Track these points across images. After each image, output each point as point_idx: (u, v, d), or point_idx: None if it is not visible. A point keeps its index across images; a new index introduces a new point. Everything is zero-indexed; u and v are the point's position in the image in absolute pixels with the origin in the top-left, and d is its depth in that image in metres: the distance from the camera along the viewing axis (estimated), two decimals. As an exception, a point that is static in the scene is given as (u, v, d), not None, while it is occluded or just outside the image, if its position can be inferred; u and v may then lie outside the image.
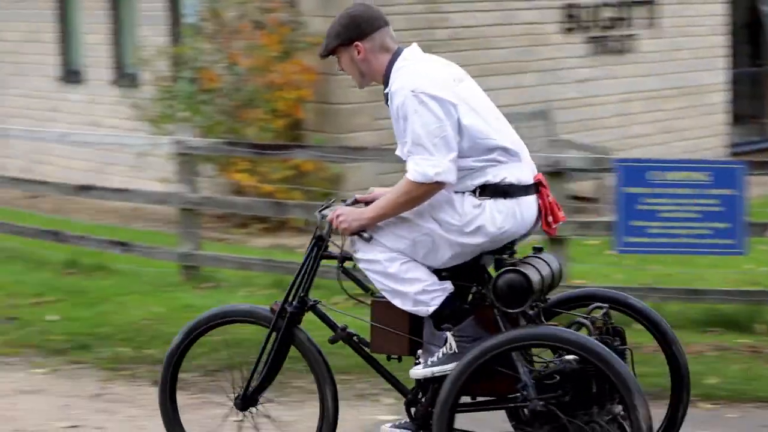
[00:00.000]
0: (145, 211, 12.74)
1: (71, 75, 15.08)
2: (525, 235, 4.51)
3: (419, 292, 4.45)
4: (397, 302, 4.49)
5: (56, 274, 9.33)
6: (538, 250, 4.60)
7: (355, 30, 4.45)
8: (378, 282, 4.52)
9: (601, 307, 4.53)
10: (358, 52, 4.46)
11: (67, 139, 11.96)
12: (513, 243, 4.49)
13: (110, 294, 8.50)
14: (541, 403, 4.19)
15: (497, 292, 4.30)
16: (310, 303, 4.71)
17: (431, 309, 4.47)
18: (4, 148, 15.35)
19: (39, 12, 15.27)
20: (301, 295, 4.69)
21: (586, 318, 4.43)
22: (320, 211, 4.63)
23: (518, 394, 4.25)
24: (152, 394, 6.25)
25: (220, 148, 9.53)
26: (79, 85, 14.88)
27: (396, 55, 4.47)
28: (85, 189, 10.27)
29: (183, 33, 12.91)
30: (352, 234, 4.49)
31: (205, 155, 10.36)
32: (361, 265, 4.56)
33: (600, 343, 4.20)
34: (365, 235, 4.45)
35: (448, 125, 4.29)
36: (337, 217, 4.48)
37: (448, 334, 4.43)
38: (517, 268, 4.30)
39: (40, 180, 11.99)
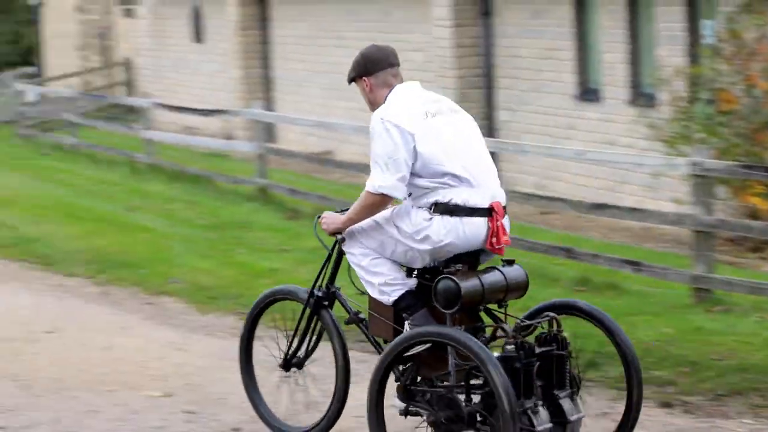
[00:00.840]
0: (656, 232, 13.17)
1: (588, 93, 15.66)
2: (478, 252, 5.75)
3: (382, 283, 5.87)
4: (368, 290, 5.96)
5: (567, 291, 9.83)
6: (507, 262, 5.79)
7: (364, 68, 5.93)
8: (356, 271, 6.02)
9: (548, 317, 5.72)
10: (366, 85, 5.93)
11: (582, 157, 12.53)
12: (476, 254, 5.76)
13: (620, 313, 8.52)
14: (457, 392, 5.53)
15: (435, 295, 5.56)
16: (333, 290, 6.27)
17: (392, 299, 5.87)
18: (518, 163, 16.32)
19: (556, 30, 15.96)
20: (327, 283, 6.27)
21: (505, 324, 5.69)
22: (318, 217, 6.15)
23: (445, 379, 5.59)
24: (659, 416, 6.73)
25: (737, 171, 9.73)
26: (596, 103, 15.43)
27: (391, 90, 5.87)
28: (598, 207, 10.94)
29: (701, 53, 13.13)
30: (331, 234, 6.07)
31: (721, 177, 10.60)
32: (347, 257, 6.05)
33: (483, 346, 5.39)
34: (338, 236, 6.03)
35: (402, 150, 5.65)
36: (321, 220, 6.06)
37: (406, 321, 5.80)
38: (452, 276, 5.48)
39: (554, 197, 12.75)
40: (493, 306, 5.89)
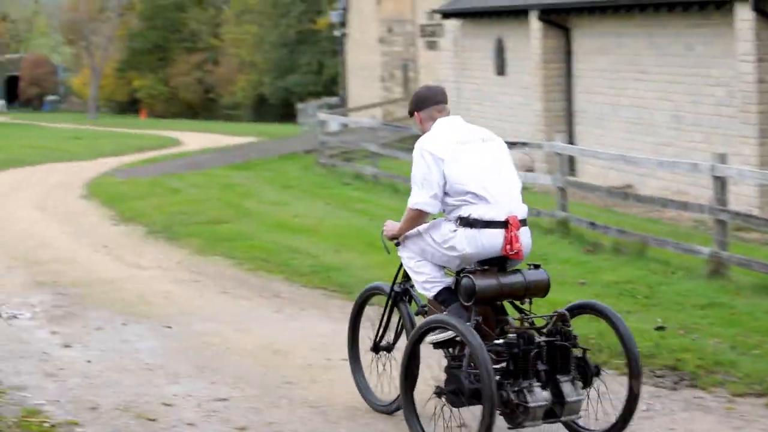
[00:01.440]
0: None
1: None
2: (502, 258, 7.17)
3: (424, 281, 7.49)
4: (416, 286, 7.62)
5: None
6: (534, 266, 7.34)
7: (416, 104, 7.60)
8: (407, 270, 7.66)
9: (556, 313, 7.20)
10: (417, 119, 7.64)
11: None
12: (503, 259, 7.18)
13: None
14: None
15: (457, 291, 7.19)
16: (406, 286, 7.92)
17: (431, 294, 7.46)
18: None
19: None
20: (403, 280, 7.92)
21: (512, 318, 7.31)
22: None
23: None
24: None
25: None
26: None
27: (434, 122, 7.51)
28: None
29: None
30: (390, 240, 7.69)
31: None
32: (401, 259, 7.67)
33: (473, 332, 6.81)
34: (394, 241, 7.68)
35: (434, 172, 7.22)
36: (384, 228, 7.71)
37: (444, 312, 7.30)
38: (470, 275, 7.05)
39: None
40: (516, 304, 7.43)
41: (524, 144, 18.62)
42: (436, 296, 7.44)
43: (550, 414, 7.02)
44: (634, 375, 7.12)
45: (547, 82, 23.30)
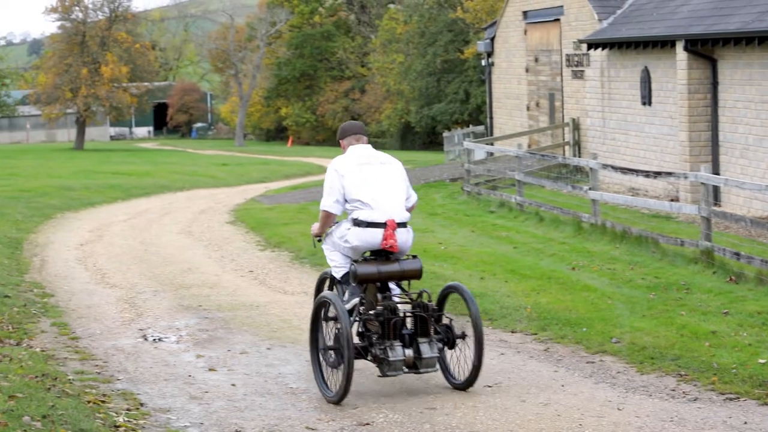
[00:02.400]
0: None
1: None
2: (381, 251, 9.64)
3: (334, 266, 10.05)
4: (331, 270, 10.16)
5: None
6: (413, 257, 9.76)
7: (340, 134, 10.35)
8: (326, 258, 10.19)
9: (421, 291, 9.71)
10: (342, 145, 10.23)
11: None
12: (387, 252, 9.61)
13: None
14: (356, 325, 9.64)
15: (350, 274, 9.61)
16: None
17: (338, 276, 10.03)
18: None
19: None
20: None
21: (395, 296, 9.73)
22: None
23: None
24: None
25: None
26: None
27: (348, 148, 10.08)
28: None
29: None
30: (315, 237, 10.24)
31: None
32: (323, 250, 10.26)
33: (341, 304, 9.31)
34: (317, 238, 10.25)
35: (336, 182, 9.73)
36: (312, 228, 10.27)
37: (346, 289, 9.92)
38: (355, 263, 9.53)
39: None
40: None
41: (669, 174, 18.36)
42: (342, 277, 10.02)
43: (413, 366, 9.49)
44: (477, 342, 9.48)
45: (693, 112, 22.94)
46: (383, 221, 9.59)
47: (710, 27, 22.13)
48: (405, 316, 9.57)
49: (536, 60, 32.38)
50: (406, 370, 9.48)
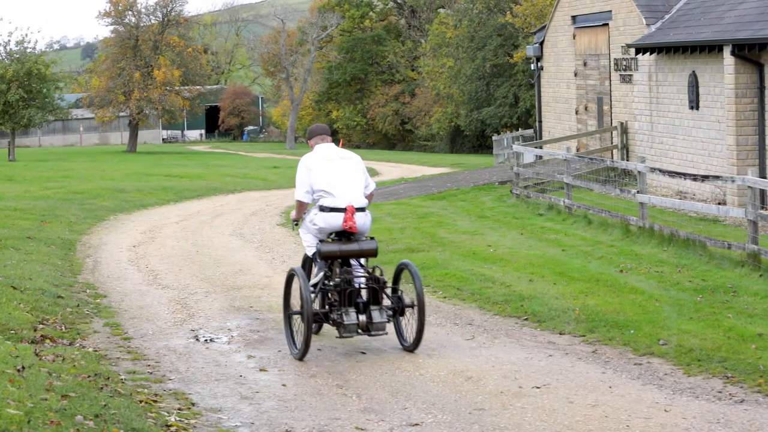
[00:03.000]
0: None
1: None
2: (343, 232, 11.38)
3: (307, 246, 11.72)
4: (306, 249, 11.82)
5: None
6: (370, 238, 11.47)
7: (309, 135, 12.01)
8: (302, 239, 11.84)
9: (375, 267, 11.53)
10: (311, 144, 11.87)
11: None
12: (347, 233, 11.36)
13: None
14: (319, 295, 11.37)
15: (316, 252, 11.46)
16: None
17: (309, 253, 11.68)
18: None
19: None
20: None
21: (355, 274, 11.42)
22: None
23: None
24: None
25: None
26: None
27: (315, 147, 11.77)
28: None
29: None
30: (294, 221, 11.90)
31: None
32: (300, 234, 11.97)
33: (304, 276, 11.07)
34: (294, 223, 11.99)
35: (305, 176, 11.45)
36: (291, 214, 11.97)
37: (315, 264, 11.65)
38: (320, 243, 11.32)
39: None
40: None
41: (716, 177, 18.27)
42: (312, 255, 11.76)
43: (366, 329, 11.23)
44: (420, 312, 11.14)
45: (740, 116, 22.80)
46: (344, 207, 11.42)
47: (757, 32, 21.99)
48: (359, 288, 11.42)
49: (585, 64, 32.28)
50: (360, 332, 11.25)
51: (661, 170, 20.11)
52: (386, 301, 11.57)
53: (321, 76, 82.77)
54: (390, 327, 11.82)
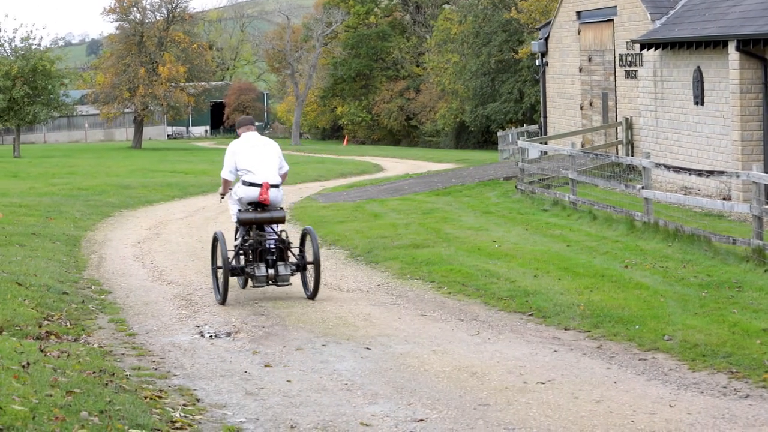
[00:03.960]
0: None
1: None
2: (261, 204, 14.11)
3: (232, 214, 14.65)
4: (232, 216, 14.76)
5: None
6: (280, 208, 14.34)
7: (237, 125, 15.01)
8: (230, 209, 14.96)
9: (281, 230, 14.45)
10: (239, 132, 14.80)
11: None
12: (262, 204, 14.08)
13: None
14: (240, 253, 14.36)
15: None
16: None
17: (234, 221, 14.53)
18: None
19: None
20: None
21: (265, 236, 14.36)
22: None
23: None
24: None
25: None
26: None
27: (242, 135, 14.70)
28: None
29: None
30: (221, 195, 14.95)
31: None
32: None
33: (222, 238, 14.12)
34: (221, 197, 15.12)
35: (231, 158, 14.37)
36: (219, 189, 15.87)
37: (239, 229, 14.66)
38: (240, 211, 14.23)
39: None
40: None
41: (721, 173, 18.25)
42: (236, 222, 14.44)
43: (274, 280, 14.05)
44: (316, 268, 14.03)
45: (745, 111, 22.77)
46: (260, 183, 14.12)
47: (762, 27, 21.97)
48: (269, 248, 14.29)
49: (590, 60, 32.25)
50: (270, 283, 14.12)
51: (666, 166, 20.09)
52: (292, 259, 14.52)
53: (326, 72, 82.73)
54: (297, 280, 14.98)
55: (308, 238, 14.35)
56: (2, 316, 11.79)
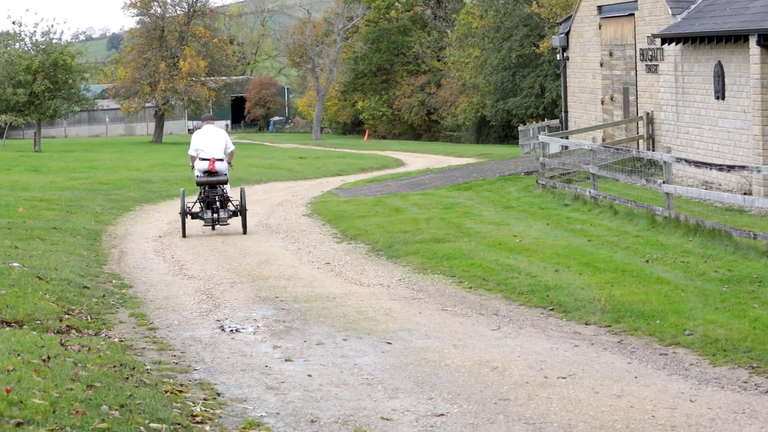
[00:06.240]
0: None
1: None
2: (209, 172, 21.10)
3: (195, 180, 21.62)
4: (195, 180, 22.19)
5: None
6: (224, 174, 21.32)
7: (201, 118, 23.00)
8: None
9: (225, 190, 21.60)
10: (203, 125, 21.97)
11: None
12: (211, 172, 21.06)
13: None
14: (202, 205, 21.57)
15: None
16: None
17: (196, 183, 21.57)
18: None
19: None
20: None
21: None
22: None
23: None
24: None
25: None
26: None
27: (204, 126, 22.04)
28: None
29: None
30: (191, 167, 22.01)
31: None
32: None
33: (183, 194, 21.67)
34: (191, 169, 22.01)
35: (193, 142, 21.45)
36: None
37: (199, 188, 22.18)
38: (197, 176, 21.31)
39: None
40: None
41: (742, 168, 18.17)
42: (197, 183, 21.12)
43: (215, 222, 21.03)
44: (243, 215, 20.99)
45: (766, 106, 22.64)
46: (209, 158, 20.93)
47: (783, 21, 21.83)
48: (215, 200, 21.08)
49: (611, 54, 32.15)
50: (218, 225, 21.36)
51: (686, 160, 20.02)
52: (231, 208, 21.23)
53: (347, 66, 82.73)
54: (237, 222, 21.87)
55: (241, 194, 21.18)
56: (23, 310, 11.85)
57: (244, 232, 20.94)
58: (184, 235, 20.68)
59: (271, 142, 73.11)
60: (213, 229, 21.45)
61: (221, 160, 20.91)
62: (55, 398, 7.92)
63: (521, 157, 39.95)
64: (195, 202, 21.24)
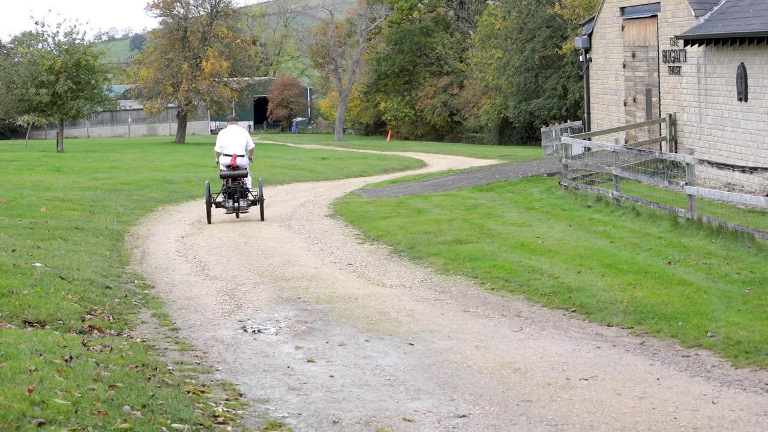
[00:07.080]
0: None
1: None
2: (232, 166, 23.87)
3: (219, 172, 24.52)
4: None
5: None
6: (243, 169, 24.13)
7: (227, 120, 25.46)
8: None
9: (246, 182, 24.62)
10: (227, 125, 24.99)
11: None
12: (236, 168, 23.90)
13: None
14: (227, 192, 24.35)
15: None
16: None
17: (220, 176, 24.25)
18: None
19: None
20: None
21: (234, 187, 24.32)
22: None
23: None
24: None
25: None
26: None
27: (228, 126, 25.01)
28: None
29: None
30: (216, 162, 24.92)
31: None
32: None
33: (208, 186, 24.00)
34: (216, 163, 25.10)
35: (218, 140, 24.26)
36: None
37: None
38: (222, 170, 24.05)
39: None
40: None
41: (765, 169, 18.10)
42: (220, 177, 23.90)
43: (238, 210, 23.84)
44: (261, 203, 23.83)
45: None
46: (231, 154, 23.47)
47: (808, 22, 21.75)
48: (237, 190, 23.66)
49: (633, 56, 32.07)
50: (241, 213, 24.13)
51: (709, 162, 19.96)
52: (250, 197, 23.81)
53: (369, 67, 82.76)
54: (255, 210, 24.98)
55: (260, 186, 24.14)
56: (45, 310, 11.91)
57: (262, 219, 23.71)
58: (209, 221, 23.38)
59: (293, 142, 73.21)
60: (237, 216, 24.11)
61: (242, 156, 23.65)
62: (77, 398, 7.95)
63: (544, 158, 39.88)
64: (218, 193, 24.21)
